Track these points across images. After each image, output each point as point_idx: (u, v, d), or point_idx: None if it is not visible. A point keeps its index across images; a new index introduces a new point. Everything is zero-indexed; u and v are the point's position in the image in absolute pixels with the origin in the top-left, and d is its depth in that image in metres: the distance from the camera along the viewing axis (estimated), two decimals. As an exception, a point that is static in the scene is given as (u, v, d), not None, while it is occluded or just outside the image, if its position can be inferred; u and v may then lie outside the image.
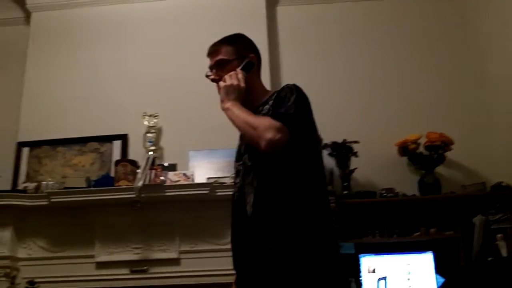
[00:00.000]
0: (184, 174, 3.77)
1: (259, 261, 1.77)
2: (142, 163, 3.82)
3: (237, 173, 1.97)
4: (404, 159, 3.97)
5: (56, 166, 4.10)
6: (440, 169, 3.92)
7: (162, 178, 3.72)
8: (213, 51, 2.11)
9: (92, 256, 3.77)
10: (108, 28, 4.48)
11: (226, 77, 1.98)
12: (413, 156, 3.89)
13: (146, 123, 4.03)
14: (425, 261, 3.61)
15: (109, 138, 4.12)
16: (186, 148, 3.98)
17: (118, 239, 3.77)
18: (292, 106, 1.83)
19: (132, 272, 3.71)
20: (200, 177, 3.81)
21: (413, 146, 3.85)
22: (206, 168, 3.88)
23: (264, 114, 1.87)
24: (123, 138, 4.12)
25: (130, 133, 4.13)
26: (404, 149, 3.90)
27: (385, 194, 3.77)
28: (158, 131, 4.08)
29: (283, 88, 1.93)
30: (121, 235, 3.77)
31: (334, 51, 4.39)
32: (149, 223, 3.76)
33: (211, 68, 2.11)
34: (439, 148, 3.84)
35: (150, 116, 4.04)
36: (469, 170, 4.04)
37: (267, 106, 1.91)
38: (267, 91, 2.07)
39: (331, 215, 1.87)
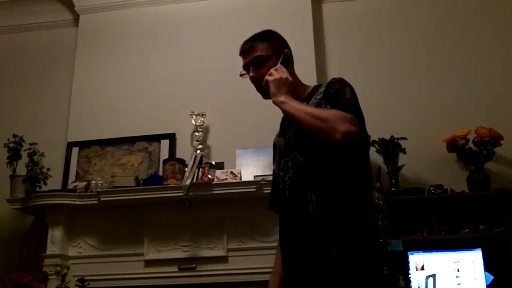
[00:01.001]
0: (232, 172, 3.78)
1: (321, 263, 1.73)
2: (189, 161, 3.85)
3: (285, 169, 1.90)
4: (453, 155, 3.91)
5: (105, 165, 4.17)
6: (489, 165, 3.85)
7: (209, 176, 3.74)
8: (248, 48, 2.05)
9: (141, 254, 3.82)
10: (155, 28, 4.55)
11: (272, 71, 1.93)
12: (462, 152, 3.83)
13: (193, 122, 4.07)
14: (474, 258, 3.55)
15: (157, 138, 4.17)
16: (233, 146, 3.99)
17: (167, 237, 3.81)
18: (351, 98, 1.82)
19: (180, 270, 3.75)
20: (247, 175, 3.82)
21: (462, 141, 3.80)
22: (253, 166, 3.89)
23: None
24: (171, 137, 4.17)
25: (178, 132, 4.18)
26: (453, 145, 3.84)
27: (433, 191, 3.73)
28: (205, 130, 4.11)
29: (332, 81, 1.91)
30: (170, 233, 3.81)
31: (380, 47, 4.36)
32: (197, 221, 3.80)
33: (246, 66, 2.06)
34: (488, 143, 3.77)
35: (197, 115, 4.08)
36: (519, 165, 3.98)
37: (315, 100, 1.89)
38: (306, 85, 2.06)
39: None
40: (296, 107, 1.82)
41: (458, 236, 3.64)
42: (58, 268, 3.80)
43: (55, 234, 3.87)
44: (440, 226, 3.67)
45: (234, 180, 3.76)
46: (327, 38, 4.46)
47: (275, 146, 2.08)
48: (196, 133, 4.05)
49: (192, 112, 4.09)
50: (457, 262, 3.56)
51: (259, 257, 3.66)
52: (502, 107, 4.10)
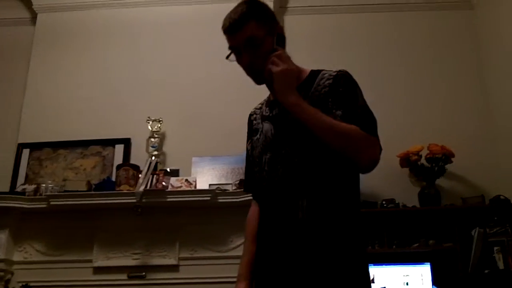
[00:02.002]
0: (187, 180, 3.76)
1: (306, 275, 1.58)
2: (144, 168, 3.80)
3: (272, 165, 1.71)
4: (406, 170, 4.00)
5: (57, 168, 4.07)
6: (440, 181, 3.96)
7: (164, 183, 3.70)
8: (237, 27, 1.73)
9: (89, 261, 3.73)
10: (114, 32, 4.49)
11: (275, 59, 1.66)
12: (414, 168, 3.92)
13: (149, 127, 4.03)
14: (423, 272, 3.63)
15: (112, 142, 4.11)
16: (189, 154, 3.98)
17: (117, 244, 3.74)
18: (366, 106, 1.68)
19: (130, 278, 3.68)
20: (203, 183, 3.81)
21: (415, 157, 3.88)
22: (209, 174, 3.89)
23: (313, 100, 1.66)
24: (126, 142, 4.11)
25: (133, 138, 4.13)
26: (406, 160, 3.92)
27: (386, 205, 3.79)
28: (162, 136, 4.08)
29: (340, 75, 1.71)
30: (121, 240, 3.74)
31: (339, 60, 4.36)
32: (150, 229, 3.74)
33: (235, 48, 1.77)
34: (440, 160, 3.88)
35: (154, 120, 4.04)
36: (469, 183, 4.08)
37: (316, 93, 1.69)
38: (300, 69, 1.78)
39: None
40: (311, 114, 1.61)
41: (408, 250, 3.70)
42: (2, 273, 3.67)
43: (0, 238, 3.73)
44: (391, 240, 3.73)
45: (189, 188, 3.73)
46: (288, 50, 4.46)
47: (252, 124, 1.92)
48: (152, 139, 4.01)
49: (148, 117, 4.05)
50: (407, 275, 3.62)
51: (211, 267, 3.66)
52: (454, 125, 4.23)
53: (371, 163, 1.60)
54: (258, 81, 1.78)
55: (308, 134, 1.62)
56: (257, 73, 1.75)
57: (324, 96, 1.68)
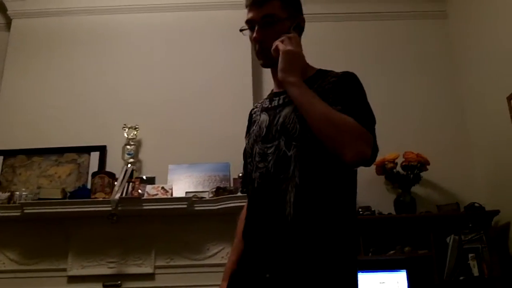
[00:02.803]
0: (163, 188, 3.73)
1: (288, 275, 1.52)
2: (120, 175, 3.77)
3: (263, 156, 1.66)
4: (382, 177, 4.03)
5: (31, 176, 4.01)
6: (416, 189, 3.99)
7: (140, 191, 3.68)
8: (262, 1, 1.71)
9: (64, 270, 3.68)
10: (90, 38, 4.45)
11: (286, 39, 1.65)
12: (390, 175, 3.95)
13: (125, 135, 3.99)
14: (399, 279, 3.65)
15: (87, 149, 4.07)
16: (165, 161, 3.96)
17: (93, 253, 3.70)
18: (368, 105, 1.64)
19: (105, 286, 3.63)
20: (179, 191, 3.78)
21: (390, 165, 3.91)
22: (185, 182, 3.87)
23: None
24: (102, 149, 4.07)
25: (109, 145, 4.08)
26: (382, 168, 3.95)
27: (361, 212, 3.81)
28: (138, 144, 4.05)
29: (346, 74, 1.70)
30: (96, 249, 3.70)
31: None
32: (125, 237, 3.70)
33: (252, 22, 1.73)
34: (415, 168, 3.91)
35: (130, 128, 4.01)
36: (444, 190, 4.13)
37: (319, 89, 1.64)
38: (309, 65, 1.77)
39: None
40: (309, 97, 1.57)
41: (384, 257, 3.72)
42: (-26, 283, 3.60)
43: (-27, 247, 3.68)
44: (367, 247, 3.74)
45: (165, 196, 3.70)
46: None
47: (251, 118, 1.85)
48: (128, 147, 3.98)
49: (124, 124, 4.02)
50: (383, 283, 3.64)
51: (187, 275, 3.64)
52: (430, 133, 4.27)
53: (358, 158, 1.51)
54: (265, 62, 1.75)
55: (304, 126, 1.57)
56: (265, 52, 1.70)
57: (326, 92, 1.63)
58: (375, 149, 1.58)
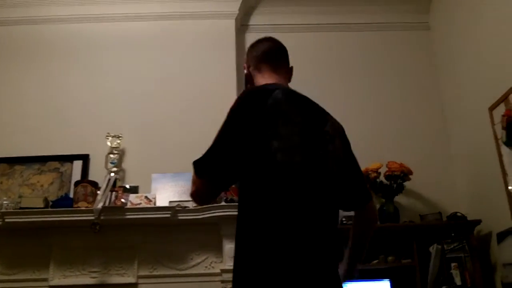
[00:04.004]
0: (146, 197, 3.71)
1: None
2: (103, 184, 3.74)
3: None
4: (365, 187, 4.05)
5: (12, 185, 3.96)
6: (399, 198, 4.02)
7: (123, 200, 3.65)
8: None
9: (45, 280, 3.62)
10: (72, 46, 4.43)
11: None
12: (373, 185, 3.96)
13: (109, 143, 3.97)
14: (383, 288, 3.66)
15: (70, 158, 4.03)
16: (149, 170, 3.94)
17: (75, 262, 3.65)
18: (214, 141, 1.76)
19: (87, 296, 3.60)
20: (163, 200, 3.76)
21: (374, 175, 3.93)
22: (169, 191, 3.85)
23: None
24: (85, 158, 4.04)
25: (92, 154, 4.06)
26: (365, 177, 3.96)
27: (345, 222, 3.81)
28: (121, 152, 4.02)
29: None
30: (78, 258, 3.66)
31: (297, 78, 4.42)
32: (108, 247, 3.67)
33: None
34: (398, 177, 3.94)
35: (113, 136, 3.98)
36: (427, 200, 4.17)
37: None
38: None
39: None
40: None
41: (368, 267, 3.73)
42: (-47, 294, 3.54)
43: (-50, 257, 3.61)
44: (351, 256, 3.74)
45: (148, 205, 3.68)
46: (249, 67, 4.52)
47: None
48: (111, 155, 3.95)
49: (108, 133, 3.99)
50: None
51: (171, 285, 3.62)
52: (413, 143, 4.32)
53: (193, 200, 1.89)
54: None
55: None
56: None
57: None
58: (214, 178, 1.75)
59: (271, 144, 1.67)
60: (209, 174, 1.74)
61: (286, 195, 1.64)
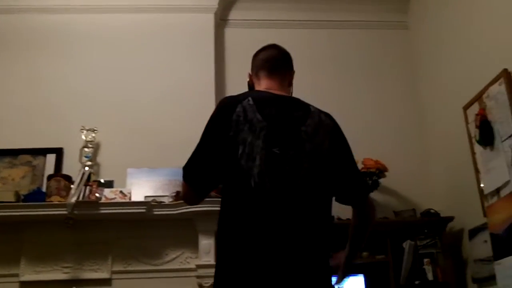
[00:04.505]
0: (121, 192, 3.68)
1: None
2: (77, 178, 3.68)
3: None
4: (341, 183, 4.07)
5: (-18, 178, 3.88)
6: (374, 195, 4.02)
7: (97, 195, 3.61)
8: None
9: (16, 275, 3.55)
10: (47, 38, 4.33)
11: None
12: (349, 181, 3.98)
13: (83, 137, 3.91)
14: (356, 283, 3.69)
15: (43, 151, 3.96)
16: (124, 165, 3.90)
17: (47, 258, 3.59)
18: (194, 149, 1.88)
19: (59, 292, 3.55)
20: (138, 195, 3.73)
21: (349, 171, 3.94)
22: (145, 186, 3.81)
23: None
24: (58, 151, 3.97)
25: (66, 147, 3.99)
26: (341, 174, 3.98)
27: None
28: (96, 146, 3.97)
29: None
30: (51, 254, 3.60)
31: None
32: (81, 242, 3.62)
33: None
34: (374, 174, 3.97)
35: (88, 130, 3.93)
36: (401, 197, 4.23)
37: None
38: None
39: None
40: None
41: (342, 262, 3.75)
42: None
43: None
44: (326, 252, 3.76)
45: (123, 200, 3.65)
46: (227, 62, 4.53)
47: None
48: (86, 149, 3.90)
49: (82, 126, 3.93)
50: (340, 287, 3.66)
51: (145, 280, 3.58)
52: (388, 140, 4.36)
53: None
54: None
55: None
56: None
57: None
58: (194, 184, 1.88)
59: (238, 150, 1.77)
60: (189, 179, 1.88)
61: (246, 200, 1.74)
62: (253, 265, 1.67)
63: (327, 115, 1.98)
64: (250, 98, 1.87)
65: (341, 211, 3.87)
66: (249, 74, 2.17)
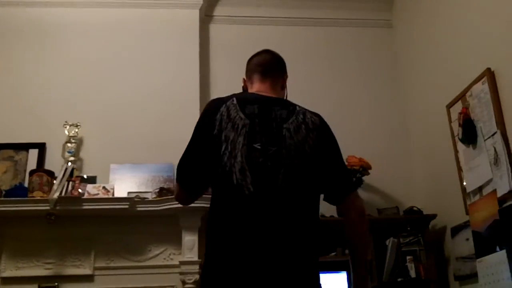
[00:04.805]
0: (104, 188, 3.65)
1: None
2: (59, 174, 3.65)
3: None
4: (324, 181, 4.08)
5: (-36, 173, 3.83)
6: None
7: (80, 190, 3.58)
8: None
9: (-4, 271, 3.52)
10: (31, 31, 4.28)
11: None
12: (333, 179, 3.99)
13: (66, 132, 3.88)
14: (340, 280, 3.70)
15: (25, 146, 3.91)
16: (107, 160, 3.87)
17: (28, 254, 3.57)
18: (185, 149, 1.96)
19: (41, 288, 3.52)
20: (121, 191, 3.70)
21: (333, 169, 3.95)
22: (128, 182, 3.79)
23: None
24: (41, 146, 3.92)
25: (49, 142, 3.94)
26: (325, 171, 3.99)
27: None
28: (79, 142, 3.93)
29: None
30: (33, 250, 3.57)
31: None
32: (64, 238, 3.59)
33: None
34: (357, 172, 3.97)
35: (71, 125, 3.90)
36: (384, 194, 4.25)
37: None
38: None
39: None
40: None
41: (325, 259, 3.76)
42: None
43: None
44: (309, 249, 3.77)
45: (106, 196, 3.62)
46: (212, 58, 4.52)
47: None
48: (69, 144, 3.87)
49: (65, 122, 3.90)
50: (324, 284, 3.67)
51: (128, 277, 3.57)
52: (372, 138, 4.37)
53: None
54: None
55: None
56: None
57: None
58: (185, 184, 1.96)
59: (221, 148, 1.83)
60: (180, 180, 1.95)
61: (229, 197, 1.78)
62: (237, 260, 1.70)
63: (315, 114, 2.00)
64: (234, 98, 1.94)
65: (325, 210, 3.93)
66: (244, 79, 2.21)
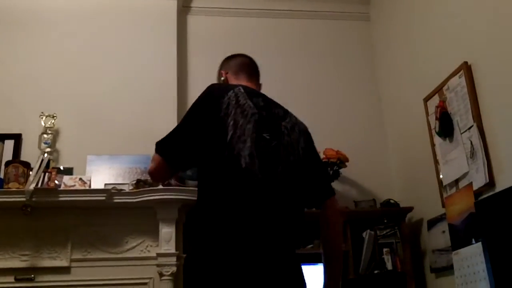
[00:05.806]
0: (81, 179, 3.61)
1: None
2: (35, 165, 3.60)
3: None
4: (302, 174, 4.10)
5: None
6: (334, 185, 4.00)
7: (56, 182, 3.54)
8: None
9: (-29, 263, 3.47)
10: (4, 19, 4.17)
11: None
12: (310, 171, 4.01)
13: (42, 123, 3.82)
14: (317, 272, 3.72)
15: (1, 137, 3.84)
16: (84, 151, 3.83)
17: (3, 245, 3.50)
18: (176, 126, 1.97)
19: (17, 280, 3.45)
20: (98, 182, 3.67)
21: (311, 161, 3.97)
22: (105, 173, 3.76)
23: None
24: (17, 138, 3.86)
25: (25, 133, 3.88)
26: (303, 164, 4.01)
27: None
28: (55, 133, 3.88)
29: None
30: (8, 241, 3.50)
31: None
32: (40, 229, 3.54)
33: None
34: (335, 164, 4.00)
35: (47, 116, 3.84)
36: (361, 187, 4.28)
37: None
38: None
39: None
40: None
41: (302, 251, 3.78)
42: None
43: None
44: (287, 241, 3.79)
45: (83, 187, 3.59)
46: (190, 49, 4.50)
47: None
48: (45, 135, 3.81)
49: (42, 112, 3.84)
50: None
51: (105, 268, 3.54)
52: (349, 131, 4.41)
53: (149, 175, 2.07)
54: None
55: None
56: None
57: None
58: (171, 157, 1.93)
59: (228, 131, 1.85)
60: (167, 153, 1.92)
61: (236, 179, 1.79)
62: (250, 243, 1.72)
63: (300, 121, 2.11)
64: (240, 87, 1.99)
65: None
66: (224, 73, 2.26)
